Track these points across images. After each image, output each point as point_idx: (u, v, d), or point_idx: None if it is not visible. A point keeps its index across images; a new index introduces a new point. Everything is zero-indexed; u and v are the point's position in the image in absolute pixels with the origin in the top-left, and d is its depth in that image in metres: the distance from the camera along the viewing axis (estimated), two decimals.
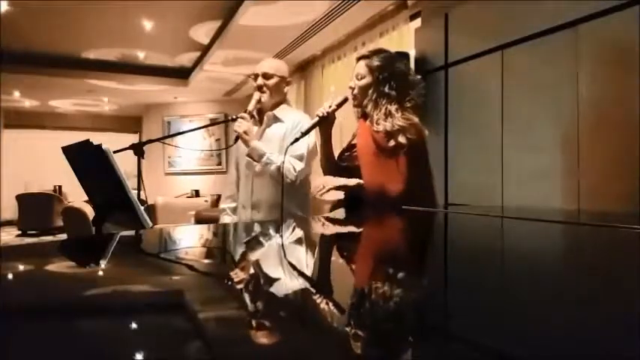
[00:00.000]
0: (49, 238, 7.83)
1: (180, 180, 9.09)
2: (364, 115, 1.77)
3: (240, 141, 2.03)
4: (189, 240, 1.22)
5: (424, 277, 0.76)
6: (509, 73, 2.62)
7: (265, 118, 2.09)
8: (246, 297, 0.61)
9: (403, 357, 0.42)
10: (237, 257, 0.96)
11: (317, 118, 1.78)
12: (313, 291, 0.66)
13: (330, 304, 0.56)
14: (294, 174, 1.97)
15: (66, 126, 10.38)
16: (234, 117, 2.05)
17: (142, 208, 1.43)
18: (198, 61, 6.85)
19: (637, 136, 1.98)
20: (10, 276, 0.74)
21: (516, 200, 2.53)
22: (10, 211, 9.12)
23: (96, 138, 1.39)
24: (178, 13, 5.16)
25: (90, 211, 3.89)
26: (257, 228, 1.43)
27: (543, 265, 0.80)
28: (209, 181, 8.77)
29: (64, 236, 6.29)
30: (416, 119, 1.69)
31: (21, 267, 0.81)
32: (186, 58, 6.94)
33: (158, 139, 2.22)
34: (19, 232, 8.97)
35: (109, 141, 1.45)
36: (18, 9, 4.98)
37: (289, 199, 1.90)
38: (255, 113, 2.09)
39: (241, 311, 0.56)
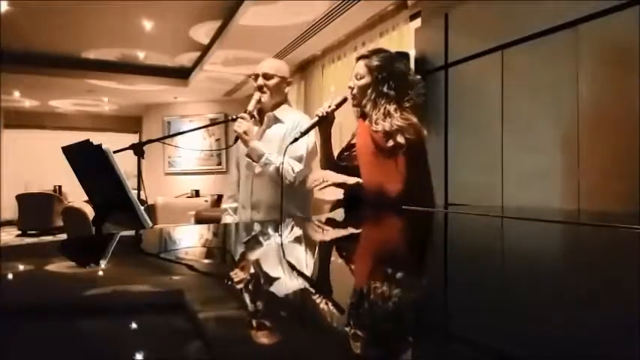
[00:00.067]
0: (49, 238, 7.83)
1: (180, 180, 9.08)
2: (363, 115, 1.77)
3: (240, 141, 2.03)
4: (189, 240, 1.22)
5: (424, 277, 0.76)
6: (509, 73, 2.62)
7: (265, 118, 2.09)
8: (246, 297, 0.61)
9: (403, 357, 0.42)
10: (236, 257, 0.96)
11: (316, 118, 1.78)
12: (313, 291, 0.66)
13: (330, 304, 0.56)
14: (292, 175, 1.97)
15: (66, 126, 10.37)
16: (234, 117, 2.05)
17: (142, 208, 1.43)
18: (198, 61, 6.85)
19: (637, 136, 1.98)
20: (10, 276, 0.74)
21: (516, 200, 2.52)
22: (10, 211, 9.12)
23: (96, 138, 1.39)
24: (178, 13, 5.16)
25: (90, 211, 3.89)
26: (257, 227, 1.43)
27: (543, 265, 0.80)
28: (209, 181, 8.77)
29: (64, 236, 6.29)
30: (414, 119, 1.68)
31: (21, 267, 0.81)
32: (186, 58, 6.94)
33: (158, 139, 2.22)
34: (19, 232, 8.97)
35: (109, 141, 1.45)
36: (18, 9, 4.98)
37: (289, 200, 1.90)
38: (255, 113, 2.09)
39: (241, 311, 0.56)
